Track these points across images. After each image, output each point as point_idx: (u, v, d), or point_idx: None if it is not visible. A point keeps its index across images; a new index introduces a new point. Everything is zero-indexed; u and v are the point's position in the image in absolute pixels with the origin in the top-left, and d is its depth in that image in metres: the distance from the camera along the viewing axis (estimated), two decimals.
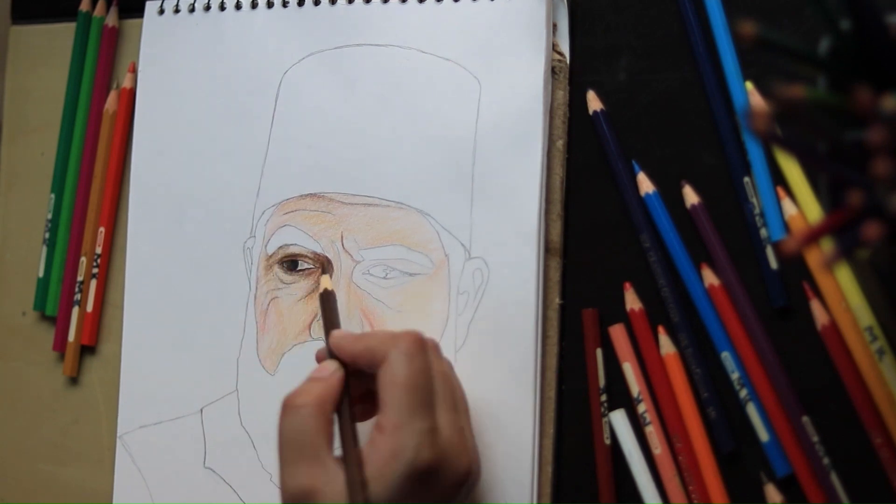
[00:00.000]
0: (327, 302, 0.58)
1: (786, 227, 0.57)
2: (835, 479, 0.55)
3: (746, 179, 0.57)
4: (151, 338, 0.66)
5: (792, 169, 0.56)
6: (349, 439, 0.53)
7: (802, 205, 0.56)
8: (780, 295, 0.57)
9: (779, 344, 0.56)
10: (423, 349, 0.54)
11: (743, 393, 0.57)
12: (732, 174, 0.58)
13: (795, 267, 0.57)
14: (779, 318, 0.57)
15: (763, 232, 0.57)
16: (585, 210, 0.61)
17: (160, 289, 0.67)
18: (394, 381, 0.52)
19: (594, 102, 0.61)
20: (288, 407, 0.53)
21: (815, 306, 0.56)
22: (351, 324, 0.62)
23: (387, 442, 0.51)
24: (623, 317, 0.59)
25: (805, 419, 0.55)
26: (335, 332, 0.56)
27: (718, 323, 0.57)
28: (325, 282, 0.59)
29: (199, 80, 0.67)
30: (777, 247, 0.57)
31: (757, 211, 0.57)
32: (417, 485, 0.51)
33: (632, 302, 0.59)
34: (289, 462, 0.52)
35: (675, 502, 0.57)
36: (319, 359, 0.57)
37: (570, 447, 0.60)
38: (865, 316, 0.54)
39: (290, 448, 0.52)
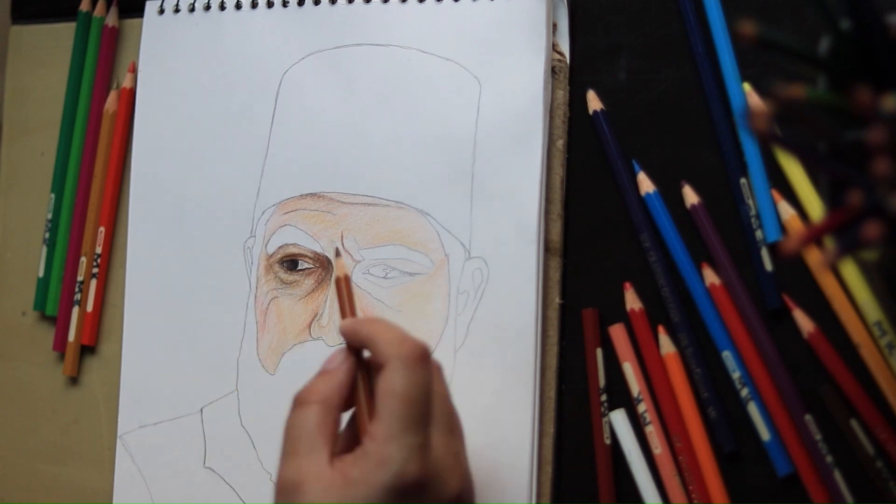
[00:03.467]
0: (342, 288, 0.56)
1: (781, 228, 0.57)
2: (838, 477, 0.55)
3: (743, 181, 0.57)
4: (151, 338, 0.66)
5: (793, 168, 0.56)
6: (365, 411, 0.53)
7: (805, 204, 0.56)
8: (775, 297, 0.57)
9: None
10: (425, 363, 0.53)
11: (744, 392, 0.57)
12: (729, 175, 0.58)
13: (790, 269, 0.57)
14: (773, 319, 0.57)
15: (759, 234, 0.57)
16: (585, 210, 0.61)
17: (160, 289, 0.67)
18: (391, 390, 0.51)
19: (594, 102, 0.61)
20: (296, 403, 0.54)
21: (799, 315, 0.56)
22: None
23: (376, 450, 0.51)
24: (623, 317, 0.59)
25: (807, 417, 0.55)
26: (345, 321, 0.55)
27: (719, 322, 0.57)
28: (340, 268, 0.56)
29: (199, 79, 0.67)
30: (776, 247, 0.57)
31: (753, 212, 0.57)
32: (400, 499, 0.50)
33: (632, 302, 0.59)
34: (285, 454, 0.53)
35: (675, 502, 0.57)
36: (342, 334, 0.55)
37: (570, 447, 0.60)
38: (873, 311, 0.54)
39: (289, 441, 0.53)
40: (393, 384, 0.52)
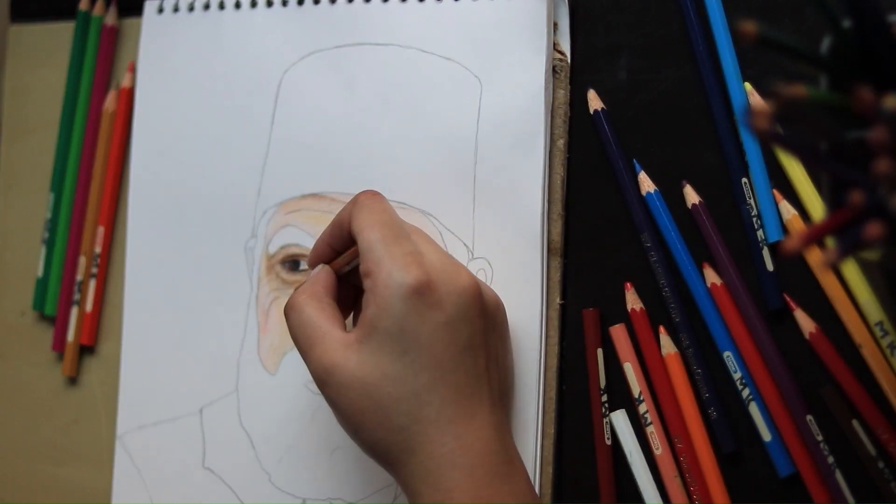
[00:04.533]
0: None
1: (783, 228, 0.57)
2: (839, 478, 0.55)
3: (744, 180, 0.57)
4: (151, 338, 0.66)
5: (795, 168, 0.56)
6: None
7: (806, 204, 0.56)
8: (776, 297, 0.56)
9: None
10: (380, 197, 0.56)
11: (745, 392, 0.56)
12: (730, 175, 0.58)
13: (791, 269, 0.57)
14: (774, 319, 0.57)
15: (760, 233, 0.57)
16: (586, 210, 0.61)
17: (160, 289, 0.67)
18: (361, 226, 0.53)
19: (595, 101, 0.61)
20: (287, 309, 0.55)
21: (800, 315, 0.56)
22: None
23: (376, 280, 0.52)
24: (623, 317, 0.59)
25: (809, 418, 0.55)
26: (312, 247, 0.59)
27: (720, 322, 0.57)
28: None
29: (199, 79, 0.67)
30: (777, 247, 0.57)
31: (754, 212, 0.57)
32: (420, 305, 0.51)
33: (632, 302, 0.59)
34: (305, 353, 0.54)
35: (676, 503, 0.57)
36: (310, 264, 0.59)
37: (571, 447, 0.60)
38: (875, 311, 0.54)
39: (301, 341, 0.54)
40: (360, 221, 0.54)
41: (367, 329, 0.52)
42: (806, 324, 0.56)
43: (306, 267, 0.63)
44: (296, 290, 0.56)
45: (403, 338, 0.51)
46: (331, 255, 0.58)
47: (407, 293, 0.51)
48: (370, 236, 0.53)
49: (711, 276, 0.57)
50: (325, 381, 0.53)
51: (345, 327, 0.54)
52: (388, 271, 0.51)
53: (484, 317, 0.54)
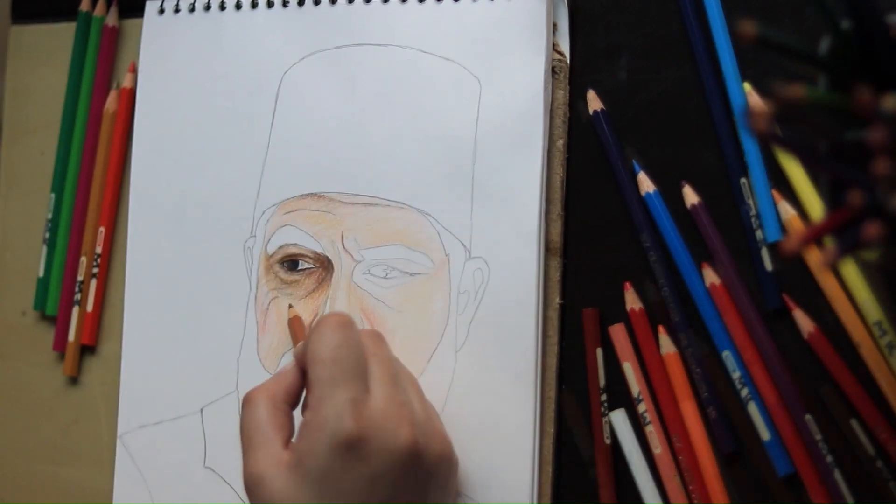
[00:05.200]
0: (294, 327, 0.62)
1: (782, 228, 0.57)
2: (838, 477, 0.55)
3: (743, 180, 0.57)
4: (151, 337, 0.66)
5: (794, 168, 0.56)
6: None
7: (805, 204, 0.56)
8: (775, 297, 0.57)
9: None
10: (347, 327, 0.54)
11: (744, 392, 0.57)
12: (730, 175, 0.58)
13: (790, 269, 0.57)
14: (773, 319, 0.57)
15: (759, 234, 0.57)
16: (585, 210, 0.61)
17: (160, 288, 0.67)
18: (314, 356, 0.53)
19: (594, 102, 0.61)
20: (244, 401, 0.55)
21: (799, 315, 0.56)
22: None
23: (313, 417, 0.51)
24: (623, 317, 0.59)
25: (808, 417, 0.55)
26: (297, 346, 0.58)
27: (719, 322, 0.57)
28: (292, 312, 0.63)
29: (200, 79, 0.67)
30: (776, 247, 0.57)
31: (753, 212, 0.57)
32: (347, 457, 0.50)
33: (632, 302, 0.59)
34: (245, 451, 0.54)
35: (675, 502, 0.57)
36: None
37: (570, 447, 0.60)
38: (874, 311, 0.54)
39: (245, 439, 0.54)
40: (314, 351, 0.53)
41: (295, 458, 0.52)
42: (805, 324, 0.56)
43: (305, 266, 0.63)
44: (261, 384, 0.56)
45: (325, 482, 0.51)
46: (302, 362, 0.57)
47: (336, 443, 0.50)
48: (318, 372, 0.52)
49: (711, 276, 0.57)
50: (250, 489, 0.53)
51: (290, 438, 0.54)
52: (325, 416, 0.51)
53: (418, 474, 0.53)
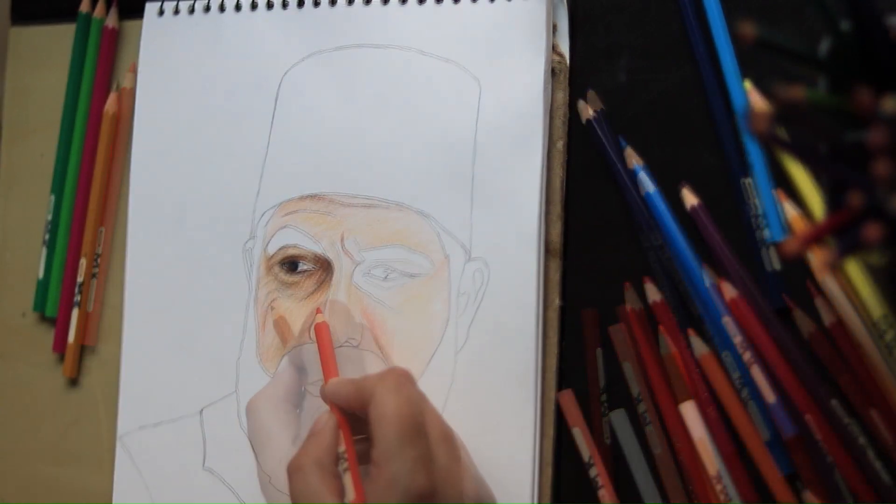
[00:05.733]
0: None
1: (785, 228, 0.57)
2: (838, 477, 0.55)
3: (745, 181, 0.57)
4: (151, 338, 0.66)
5: (796, 169, 0.56)
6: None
7: (808, 205, 0.56)
8: (778, 297, 0.57)
9: None
10: (410, 383, 0.55)
11: (744, 392, 0.57)
12: (730, 175, 0.58)
13: (793, 269, 0.57)
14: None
15: (760, 234, 0.57)
16: (585, 210, 0.61)
17: (160, 290, 0.67)
18: (382, 414, 0.53)
19: (586, 111, 0.61)
20: (291, 471, 0.55)
21: (799, 315, 0.56)
22: (352, 325, 0.62)
23: (381, 473, 0.52)
24: (623, 317, 0.59)
25: (807, 417, 0.55)
26: (330, 381, 0.57)
27: (719, 322, 0.57)
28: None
29: (199, 81, 0.67)
30: (778, 248, 0.57)
31: (755, 212, 0.57)
32: None
33: (632, 302, 0.59)
34: None
35: (675, 502, 0.57)
36: (324, 398, 0.58)
37: (570, 447, 0.60)
38: (874, 310, 0.54)
39: None
40: (382, 408, 0.53)
41: None
42: (805, 324, 0.56)
43: (305, 267, 0.63)
44: (301, 448, 0.56)
45: None
46: (342, 406, 0.57)
47: (409, 497, 0.51)
48: (387, 431, 0.53)
49: (711, 276, 0.57)
50: None
51: (343, 497, 0.54)
52: (396, 472, 0.52)
53: None
